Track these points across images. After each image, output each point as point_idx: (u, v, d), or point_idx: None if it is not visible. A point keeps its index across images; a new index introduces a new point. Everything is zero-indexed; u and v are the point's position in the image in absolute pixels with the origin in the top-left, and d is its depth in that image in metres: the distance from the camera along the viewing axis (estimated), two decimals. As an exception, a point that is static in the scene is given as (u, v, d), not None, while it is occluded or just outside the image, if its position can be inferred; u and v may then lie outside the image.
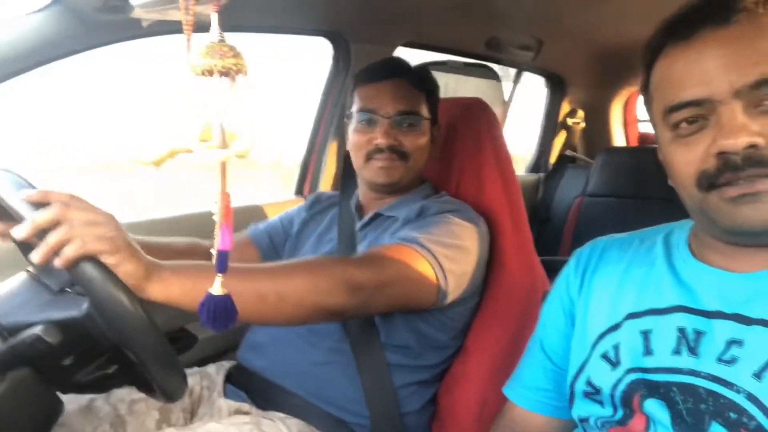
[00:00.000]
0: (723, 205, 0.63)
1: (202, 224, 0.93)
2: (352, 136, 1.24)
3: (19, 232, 0.70)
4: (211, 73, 0.51)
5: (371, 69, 1.28)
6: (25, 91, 1.14)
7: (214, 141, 0.53)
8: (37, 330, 0.70)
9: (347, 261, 1.00)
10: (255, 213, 1.67)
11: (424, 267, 1.01)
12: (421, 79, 1.27)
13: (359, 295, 0.91)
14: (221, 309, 0.94)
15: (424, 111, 1.24)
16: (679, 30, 0.67)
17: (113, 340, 0.74)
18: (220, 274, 0.72)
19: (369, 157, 1.21)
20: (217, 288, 0.76)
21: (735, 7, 0.64)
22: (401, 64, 1.30)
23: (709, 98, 0.63)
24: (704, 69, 0.63)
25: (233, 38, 0.56)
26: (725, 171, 0.62)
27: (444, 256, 1.03)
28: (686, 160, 0.65)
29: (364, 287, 0.92)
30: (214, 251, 0.62)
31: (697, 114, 0.64)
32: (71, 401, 1.01)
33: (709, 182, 0.64)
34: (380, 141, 1.18)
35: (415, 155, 1.21)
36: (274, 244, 1.35)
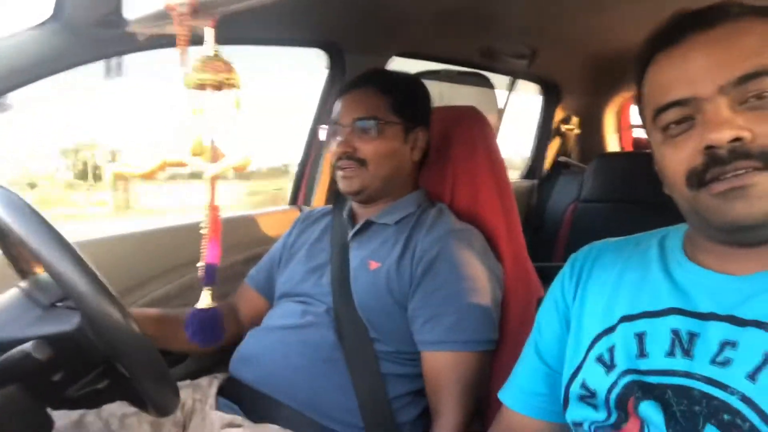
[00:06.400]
0: (713, 202, 0.64)
1: (193, 235, 0.93)
2: None
3: None
4: (204, 87, 0.52)
5: (344, 86, 1.32)
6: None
7: (206, 154, 0.54)
8: (25, 346, 0.68)
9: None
10: (248, 222, 1.67)
11: (480, 356, 1.12)
12: (389, 84, 1.26)
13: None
14: (208, 323, 0.94)
15: (387, 115, 1.22)
16: (665, 38, 0.69)
17: (105, 354, 0.74)
18: (207, 288, 0.71)
19: (336, 167, 1.24)
20: (204, 301, 0.75)
21: (718, 14, 0.66)
22: (368, 74, 1.31)
23: (694, 96, 0.64)
24: (689, 69, 0.65)
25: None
26: (712, 166, 0.63)
27: (482, 333, 1.13)
28: (676, 160, 0.66)
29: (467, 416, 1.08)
30: (202, 264, 0.62)
31: (685, 114, 0.65)
32: (61, 417, 0.99)
33: (698, 179, 0.64)
34: (335, 150, 1.22)
35: (374, 161, 1.21)
36: (273, 276, 1.37)
